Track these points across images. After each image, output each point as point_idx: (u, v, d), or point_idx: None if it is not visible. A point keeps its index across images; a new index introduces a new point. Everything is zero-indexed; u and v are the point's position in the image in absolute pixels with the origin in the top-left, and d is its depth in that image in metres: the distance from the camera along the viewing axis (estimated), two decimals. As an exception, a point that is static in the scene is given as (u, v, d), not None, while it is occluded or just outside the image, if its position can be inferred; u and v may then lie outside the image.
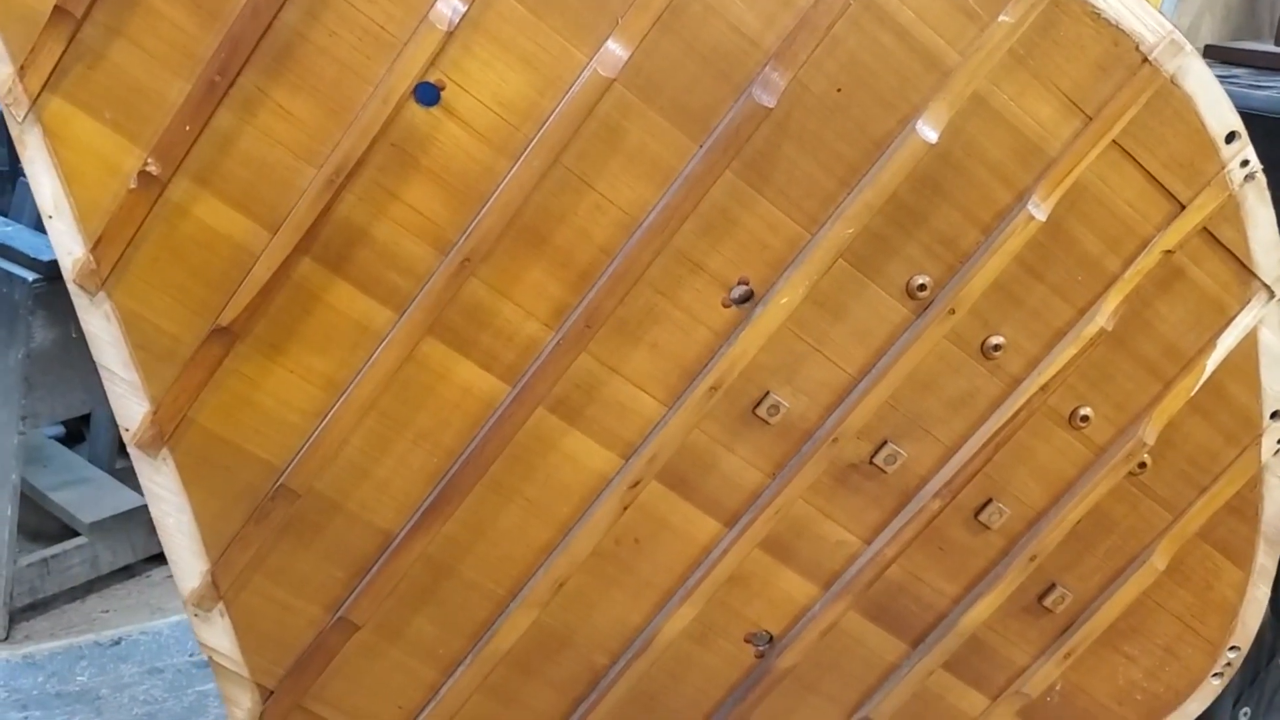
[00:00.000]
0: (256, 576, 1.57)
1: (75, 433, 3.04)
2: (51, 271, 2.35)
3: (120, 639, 2.42)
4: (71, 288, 1.43)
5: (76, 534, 2.54)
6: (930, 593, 1.73)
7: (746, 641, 1.72)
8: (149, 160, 1.37)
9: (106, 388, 1.47)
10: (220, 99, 1.36)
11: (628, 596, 1.66)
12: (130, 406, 1.48)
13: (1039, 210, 1.51)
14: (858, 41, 1.43)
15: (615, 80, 1.39)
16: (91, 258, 1.41)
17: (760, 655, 1.72)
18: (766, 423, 1.58)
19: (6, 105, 1.34)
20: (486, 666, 1.65)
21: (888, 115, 1.47)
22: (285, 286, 1.44)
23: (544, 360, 1.51)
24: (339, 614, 1.60)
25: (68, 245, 1.41)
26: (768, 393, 1.57)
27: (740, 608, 1.69)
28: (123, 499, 2.60)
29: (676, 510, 1.62)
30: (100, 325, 1.44)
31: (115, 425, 2.83)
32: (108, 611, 2.52)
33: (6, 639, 2.38)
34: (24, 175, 2.98)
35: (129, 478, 2.71)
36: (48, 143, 1.37)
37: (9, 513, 2.37)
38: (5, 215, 2.79)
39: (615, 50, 1.38)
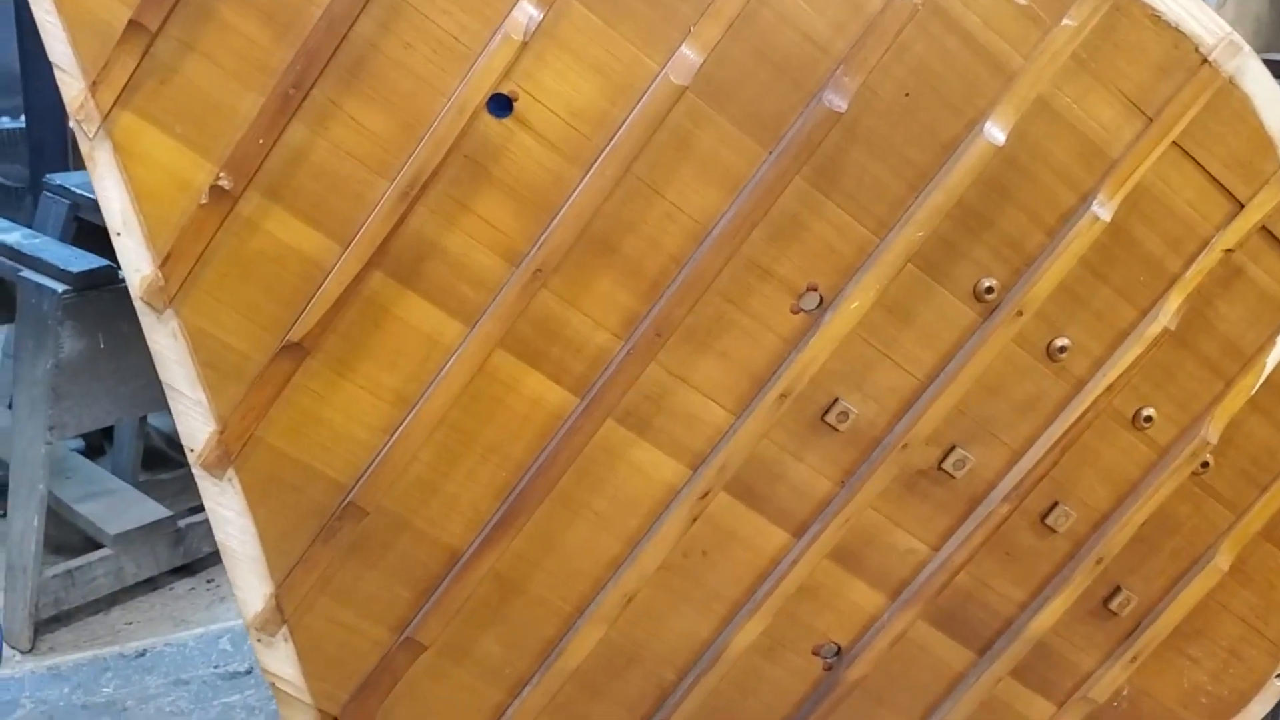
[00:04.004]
0: (322, 599, 1.56)
1: (95, 446, 3.01)
2: (80, 283, 2.35)
3: (145, 651, 2.42)
4: (138, 305, 1.42)
5: (100, 546, 2.53)
6: (997, 599, 1.73)
7: (814, 654, 1.71)
8: (221, 174, 1.37)
9: (172, 407, 1.46)
10: (294, 112, 1.36)
11: (696, 610, 1.66)
12: (196, 426, 1.46)
13: (1104, 210, 1.54)
14: (925, 46, 1.45)
15: (687, 88, 1.40)
16: (160, 274, 1.40)
17: (828, 667, 1.72)
18: (835, 430, 1.59)
19: (78, 121, 1.34)
20: (554, 686, 1.64)
21: (955, 119, 1.49)
22: (356, 301, 1.44)
23: (613, 371, 1.51)
24: (405, 634, 1.58)
25: (136, 262, 1.40)
26: (836, 399, 1.58)
27: (809, 619, 1.69)
28: (147, 511, 2.59)
29: (745, 521, 1.62)
30: (167, 343, 1.43)
31: (139, 438, 2.83)
32: (131, 623, 2.51)
33: (31, 650, 2.37)
34: (46, 190, 2.99)
35: (152, 490, 2.71)
36: (118, 159, 1.36)
37: (36, 523, 2.36)
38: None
39: (688, 57, 1.40)
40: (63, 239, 2.72)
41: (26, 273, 2.40)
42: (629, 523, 1.60)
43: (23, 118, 4.18)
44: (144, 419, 2.82)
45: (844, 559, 1.66)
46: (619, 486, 1.57)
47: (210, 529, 2.58)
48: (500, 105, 1.40)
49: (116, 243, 1.40)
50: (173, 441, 3.10)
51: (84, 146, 1.35)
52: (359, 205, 1.41)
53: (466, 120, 1.38)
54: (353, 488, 1.51)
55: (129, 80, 1.33)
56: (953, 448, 1.63)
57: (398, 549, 1.55)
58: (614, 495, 1.58)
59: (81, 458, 2.85)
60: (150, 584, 2.62)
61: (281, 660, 1.57)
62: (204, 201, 1.38)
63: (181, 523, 2.62)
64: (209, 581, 2.69)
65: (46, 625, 2.44)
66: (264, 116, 1.35)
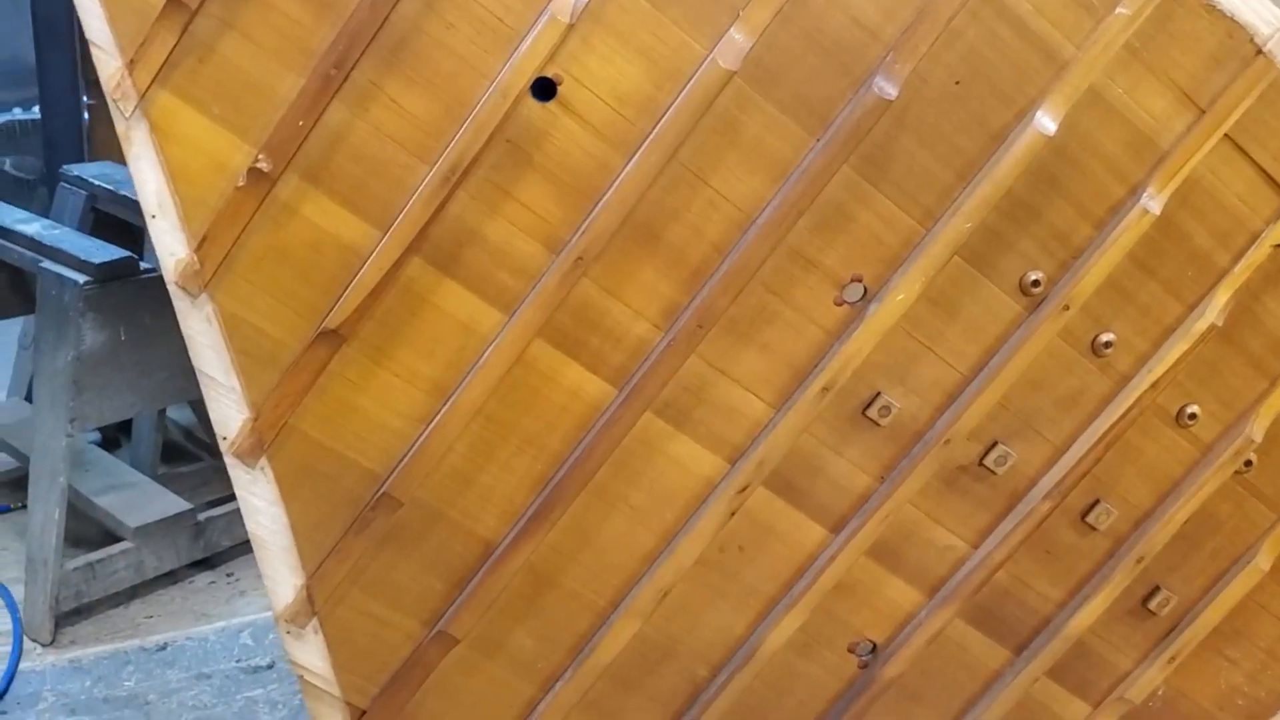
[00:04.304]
0: (353, 590, 1.53)
1: (111, 439, 2.99)
2: (102, 274, 2.32)
3: (166, 644, 2.40)
4: (172, 289, 1.40)
5: (119, 539, 2.51)
6: (1036, 597, 1.71)
7: (849, 651, 1.69)
8: (259, 156, 1.34)
9: (205, 394, 1.44)
10: (335, 93, 1.33)
11: (731, 606, 1.63)
12: (229, 414, 1.44)
13: (1154, 203, 1.51)
14: (976, 34, 1.42)
15: (735, 73, 1.38)
16: (195, 258, 1.38)
17: (864, 665, 1.69)
18: (877, 424, 1.56)
19: (114, 100, 1.31)
20: (587, 680, 1.62)
21: (1005, 108, 1.46)
22: (394, 288, 1.41)
23: (653, 362, 1.48)
24: (438, 628, 1.56)
25: (170, 245, 1.37)
26: (879, 393, 1.55)
27: (845, 616, 1.66)
28: (167, 504, 2.57)
29: (783, 516, 1.59)
30: (201, 328, 1.41)
31: (159, 430, 2.80)
32: (152, 617, 2.49)
33: (52, 643, 2.35)
34: (63, 181, 2.97)
35: (171, 483, 2.68)
36: (154, 139, 1.34)
37: (57, 516, 2.33)
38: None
39: (736, 41, 1.37)
40: (80, 230, 2.69)
41: (47, 264, 2.37)
42: (665, 516, 1.57)
43: (35, 109, 4.16)
44: (163, 412, 2.78)
45: (882, 555, 1.63)
46: (656, 480, 1.55)
47: (230, 522, 2.60)
48: (543, 89, 1.37)
49: (151, 225, 1.37)
50: (191, 435, 3.07)
51: (119, 126, 1.32)
52: (399, 190, 1.38)
53: (510, 104, 1.35)
54: (387, 478, 1.48)
55: (167, 58, 1.30)
56: (994, 443, 1.60)
57: (431, 540, 1.53)
58: (651, 488, 1.55)
59: (100, 450, 2.82)
60: (170, 577, 2.60)
61: (311, 653, 1.55)
62: (241, 184, 1.35)
63: (201, 516, 2.59)
64: (229, 575, 2.67)
65: (66, 618, 2.41)
66: (304, 97, 1.33)
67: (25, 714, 2.16)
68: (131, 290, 2.37)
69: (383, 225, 1.39)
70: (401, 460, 1.48)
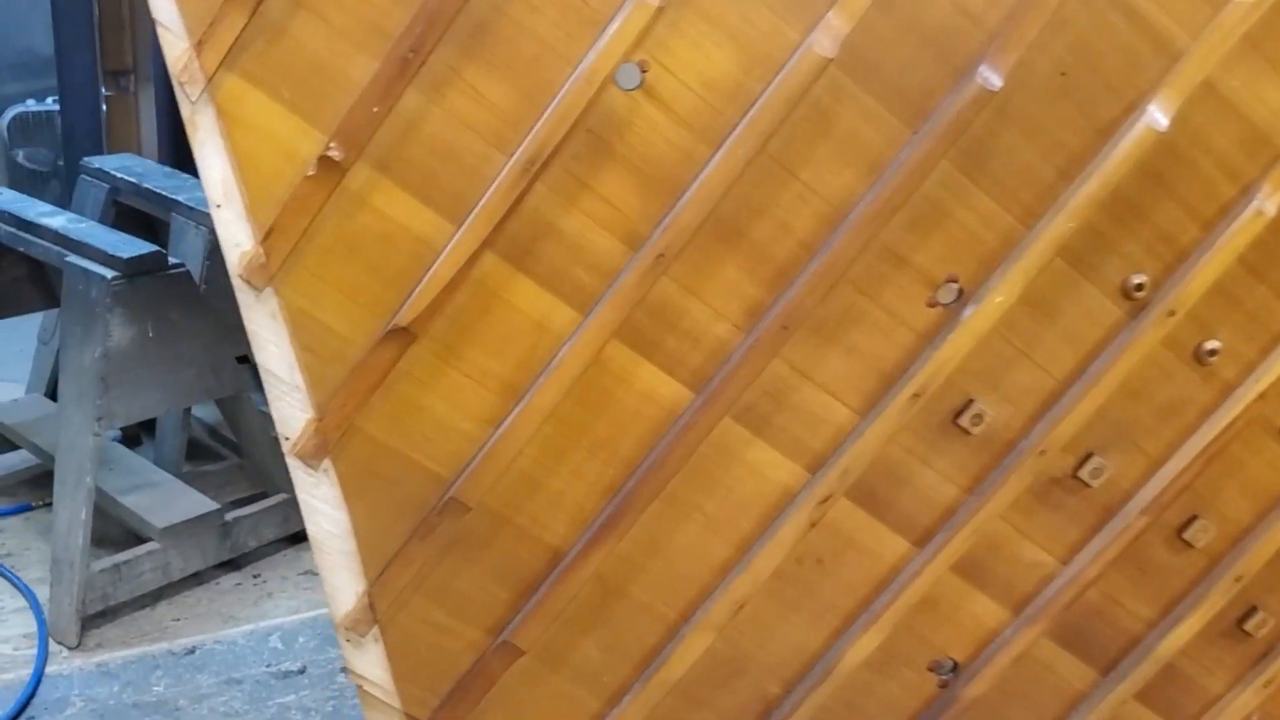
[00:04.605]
0: (416, 598, 1.48)
1: (132, 436, 2.95)
2: (130, 269, 2.27)
3: (194, 648, 2.36)
4: (236, 283, 1.35)
5: (143, 539, 2.47)
6: (1126, 616, 1.64)
7: (929, 670, 1.63)
8: (331, 144, 1.29)
9: (268, 392, 1.39)
10: (411, 79, 1.27)
11: (806, 621, 1.57)
12: (292, 413, 1.39)
13: (1269, 204, 1.43)
14: (1086, 21, 1.35)
15: (832, 60, 1.31)
16: (261, 250, 1.33)
17: (944, 684, 1.63)
18: (967, 433, 1.50)
19: (181, 83, 1.26)
20: (655, 696, 1.56)
21: (1113, 101, 1.39)
22: (466, 283, 1.36)
23: (733, 364, 1.43)
24: (502, 638, 1.51)
25: (235, 236, 1.33)
26: (971, 401, 1.49)
27: (926, 633, 1.60)
28: (194, 504, 2.52)
29: (864, 528, 1.53)
30: (265, 324, 1.36)
31: (184, 428, 2.77)
32: (179, 620, 2.45)
33: (78, 647, 2.31)
34: (84, 174, 2.94)
35: (195, 482, 2.64)
36: (221, 124, 1.29)
37: (83, 516, 2.29)
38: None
39: (834, 26, 1.30)
40: (101, 222, 2.64)
41: (73, 258, 2.33)
42: (741, 526, 1.51)
43: (48, 100, 4.13)
44: (188, 409, 2.74)
45: (967, 570, 1.57)
46: (732, 488, 1.49)
47: (256, 523, 2.55)
48: (628, 75, 1.31)
49: (215, 215, 1.32)
50: (215, 432, 3.02)
51: (185, 110, 1.27)
52: (474, 181, 1.33)
53: (595, 91, 1.29)
54: (454, 482, 1.43)
55: (236, 40, 1.25)
56: (1089, 455, 1.54)
57: (497, 547, 1.48)
58: (726, 497, 1.49)
59: (124, 448, 2.78)
60: (195, 579, 2.55)
61: (370, 662, 1.50)
62: (311, 173, 1.30)
63: (228, 516, 2.55)
64: (255, 577, 2.62)
65: (92, 621, 2.37)
66: (378, 82, 1.27)
67: (54, 720, 2.13)
68: (160, 286, 2.32)
69: (456, 218, 1.34)
70: (470, 464, 1.43)
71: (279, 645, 2.39)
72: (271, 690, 2.26)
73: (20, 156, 4.12)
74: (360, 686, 1.52)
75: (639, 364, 1.43)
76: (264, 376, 1.38)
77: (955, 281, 1.43)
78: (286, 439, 1.40)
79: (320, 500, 1.43)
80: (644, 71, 1.31)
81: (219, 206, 1.31)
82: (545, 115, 1.30)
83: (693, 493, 1.49)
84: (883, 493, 1.52)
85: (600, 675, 1.56)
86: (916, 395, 1.45)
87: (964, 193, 1.40)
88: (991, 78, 1.33)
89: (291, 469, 1.42)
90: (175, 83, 1.27)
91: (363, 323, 1.36)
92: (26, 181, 4.12)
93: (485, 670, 1.52)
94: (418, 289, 1.35)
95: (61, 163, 4.07)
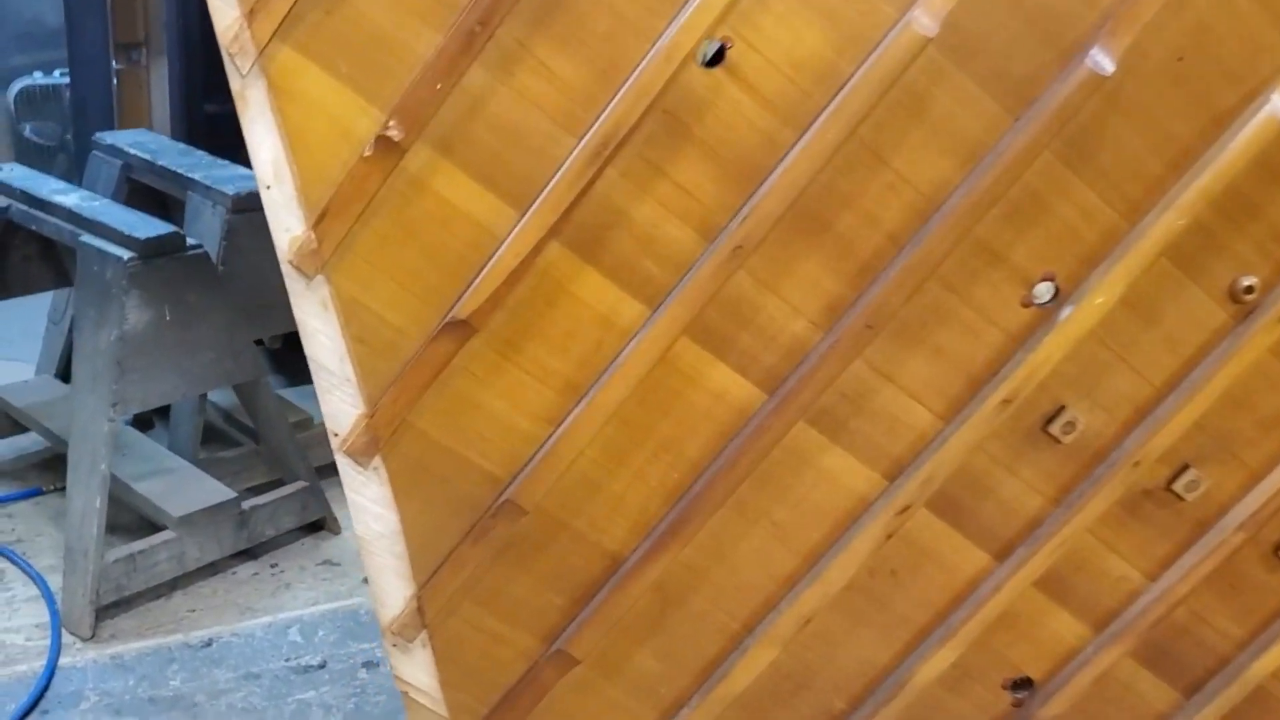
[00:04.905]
0: (467, 603, 1.42)
1: (144, 420, 2.89)
2: (147, 250, 2.20)
3: (211, 640, 2.31)
4: (286, 269, 1.27)
5: (157, 527, 2.41)
6: (1214, 636, 1.56)
7: (1004, 688, 1.55)
8: (390, 123, 1.21)
9: (317, 385, 1.32)
10: (477, 54, 1.19)
11: (877, 635, 1.50)
12: (342, 408, 1.32)
13: (1396, 203, 1.34)
14: (1207, 2, 1.26)
15: (931, 40, 1.22)
16: (313, 235, 1.25)
17: (1018, 704, 1.56)
18: (1058, 441, 1.42)
19: (231, 54, 1.18)
20: (715, 710, 1.50)
21: (1231, 89, 1.30)
22: (530, 274, 1.28)
23: (811, 365, 1.35)
24: (556, 646, 1.44)
25: (285, 220, 1.25)
26: (1063, 407, 1.40)
27: (1002, 649, 1.53)
28: (210, 492, 2.46)
29: (942, 539, 1.46)
30: (315, 313, 1.29)
31: (200, 413, 2.71)
32: (195, 610, 2.40)
33: (93, 638, 2.26)
34: (96, 150, 2.86)
35: (211, 469, 2.58)
36: (272, 100, 1.21)
37: (98, 504, 2.24)
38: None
39: (935, 3, 1.21)
40: (114, 201, 2.57)
41: (87, 238, 2.26)
42: (811, 536, 1.44)
43: (55, 73, 4.05)
44: (204, 394, 2.67)
45: (1048, 585, 1.50)
46: (804, 495, 1.42)
47: (273, 511, 2.49)
48: (710, 52, 1.23)
49: (265, 196, 1.25)
50: (231, 418, 2.96)
51: (234, 85, 1.20)
52: (541, 165, 1.25)
53: (674, 69, 1.20)
54: (510, 483, 1.36)
55: (291, 8, 1.17)
56: (1185, 466, 1.45)
57: (553, 552, 1.41)
58: (797, 504, 1.42)
59: (137, 432, 2.71)
60: (211, 568, 2.49)
61: (417, 668, 1.44)
62: (368, 153, 1.22)
63: (245, 504, 2.48)
64: (273, 566, 2.56)
65: (106, 611, 2.31)
66: (442, 58, 1.19)
67: (68, 714, 2.08)
68: (177, 267, 2.25)
69: (520, 204, 1.26)
70: (528, 464, 1.36)
71: (298, 638, 2.33)
72: (291, 686, 2.20)
73: (27, 130, 4.05)
74: (405, 694, 1.46)
75: (710, 363, 1.35)
76: (313, 369, 1.32)
77: (1052, 280, 1.34)
78: (336, 435, 1.34)
79: (370, 500, 1.37)
80: (727, 48, 1.22)
81: (269, 188, 1.24)
82: (619, 94, 1.22)
83: (762, 499, 1.41)
84: (964, 503, 1.44)
85: (657, 687, 1.49)
86: (1006, 401, 1.37)
87: (1066, 185, 1.31)
88: (1103, 62, 1.24)
89: (340, 467, 1.36)
90: (225, 54, 1.19)
91: (419, 314, 1.29)
92: (33, 156, 4.05)
93: (537, 679, 1.46)
94: (478, 280, 1.27)
95: (69, 137, 4.00)
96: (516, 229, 1.26)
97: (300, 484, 2.59)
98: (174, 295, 2.26)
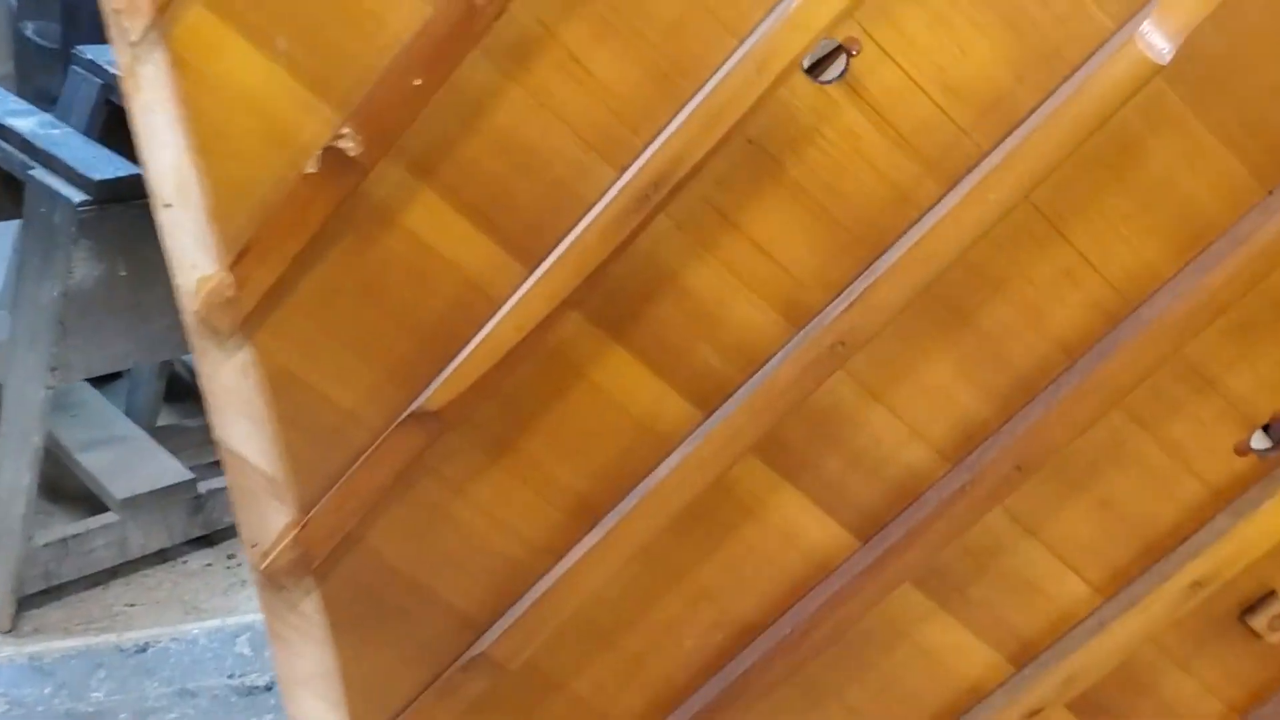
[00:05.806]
0: (423, 774, 1.07)
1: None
2: (103, 194, 1.93)
3: (146, 645, 2.05)
4: (189, 321, 0.92)
5: (100, 507, 2.15)
6: None
7: None
8: (344, 129, 0.84)
9: (229, 480, 0.97)
10: (479, 38, 0.82)
11: None
12: (263, 514, 0.97)
13: None
14: None
15: (1163, 67, 0.83)
16: (230, 277, 0.89)
17: None
18: (1258, 637, 1.04)
19: (114, 12, 0.82)
20: None
21: None
22: (535, 353, 0.92)
23: (929, 509, 0.98)
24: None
25: (190, 254, 0.91)
26: (1273, 592, 1.02)
27: None
28: (163, 471, 2.19)
29: (1077, 746, 1.09)
30: (228, 384, 0.94)
31: (160, 377, 2.41)
32: (133, 606, 2.16)
33: (12, 630, 2.02)
34: (75, 64, 2.52)
35: (171, 438, 2.28)
36: (176, 81, 0.85)
37: (26, 482, 2.00)
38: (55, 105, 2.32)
39: (1175, 17, 0.81)
40: (89, 127, 2.25)
41: (38, 172, 1.97)
42: (898, 726, 1.08)
43: None
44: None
45: (1216, 816, 1.11)
46: (895, 678, 1.07)
47: None
48: (825, 61, 0.85)
49: (163, 215, 0.89)
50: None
51: (121, 58, 0.84)
52: (562, 203, 0.89)
53: (769, 81, 0.82)
54: (489, 629, 1.01)
55: (205, -49, 0.81)
56: None
57: (545, 718, 1.06)
58: (884, 689, 1.08)
59: (90, 389, 2.42)
60: (159, 556, 2.22)
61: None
62: (312, 169, 0.86)
63: (203, 486, 2.18)
64: (229, 558, 2.26)
65: (30, 601, 2.07)
66: (425, 40, 0.82)
67: (-31, 720, 1.84)
68: (136, 216, 1.93)
69: (528, 256, 0.91)
70: (516, 605, 1.00)
71: (246, 651, 2.05)
72: (230, 709, 1.93)
73: (29, 30, 3.71)
74: None
75: (781, 491, 1.01)
76: (224, 456, 0.97)
77: (1284, 422, 0.96)
78: (254, 545, 0.99)
79: (294, 630, 1.03)
80: (851, 55, 0.84)
81: (169, 206, 0.88)
82: (685, 112, 0.84)
83: (836, 679, 1.08)
84: (1113, 704, 1.07)
85: None
86: (1198, 584, 0.99)
87: (1325, 291, 0.91)
88: None
89: (259, 588, 1.01)
90: (106, 13, 0.82)
91: (377, 392, 0.94)
92: (34, 58, 3.72)
93: None
94: (463, 354, 0.91)
95: (74, 40, 3.68)
96: (521, 290, 0.90)
97: (267, 466, 2.29)
98: (130, 248, 1.96)
